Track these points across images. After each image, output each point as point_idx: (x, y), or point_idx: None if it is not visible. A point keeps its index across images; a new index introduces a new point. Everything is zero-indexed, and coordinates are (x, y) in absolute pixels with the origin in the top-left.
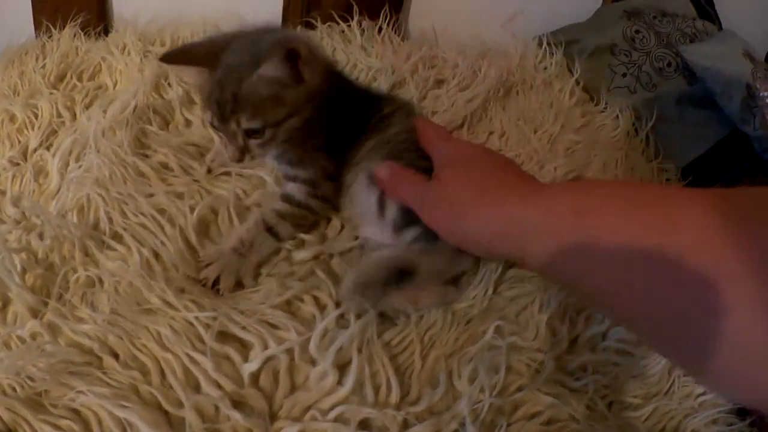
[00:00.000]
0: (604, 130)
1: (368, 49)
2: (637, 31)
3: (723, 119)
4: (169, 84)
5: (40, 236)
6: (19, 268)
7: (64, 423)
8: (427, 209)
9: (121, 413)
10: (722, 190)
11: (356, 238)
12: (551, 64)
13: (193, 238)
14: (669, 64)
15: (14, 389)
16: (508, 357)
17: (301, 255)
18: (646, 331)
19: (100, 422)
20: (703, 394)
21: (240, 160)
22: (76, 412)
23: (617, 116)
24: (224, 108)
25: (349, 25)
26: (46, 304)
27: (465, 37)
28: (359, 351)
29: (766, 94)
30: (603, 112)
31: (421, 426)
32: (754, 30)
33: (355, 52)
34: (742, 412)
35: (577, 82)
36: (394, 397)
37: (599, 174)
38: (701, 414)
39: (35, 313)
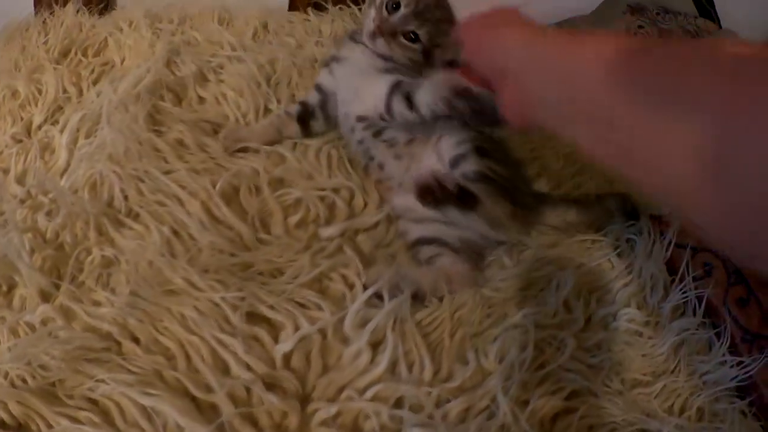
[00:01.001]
0: None
1: None
2: (640, 27)
3: None
4: (181, 61)
5: (48, 215)
6: (27, 246)
7: (82, 415)
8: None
9: (146, 401)
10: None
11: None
12: None
13: (219, 212)
14: None
15: (24, 380)
16: (533, 335)
17: (328, 231)
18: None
19: (122, 412)
20: (706, 373)
21: (375, 34)
22: (94, 402)
23: None
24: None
25: (360, 8)
26: (57, 286)
27: None
28: (393, 329)
29: None
30: None
31: (456, 402)
32: (752, 29)
33: None
34: (741, 390)
35: None
36: (428, 374)
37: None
38: (705, 392)
39: (46, 297)
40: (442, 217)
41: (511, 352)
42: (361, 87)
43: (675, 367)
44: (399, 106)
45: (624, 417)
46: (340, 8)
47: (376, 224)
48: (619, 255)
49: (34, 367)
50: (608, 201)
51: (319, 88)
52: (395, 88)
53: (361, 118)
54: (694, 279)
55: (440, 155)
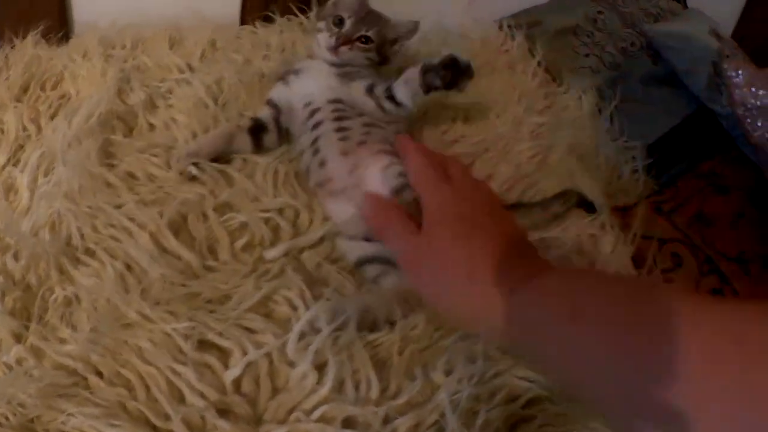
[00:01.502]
0: (568, 110)
1: None
2: (599, 12)
3: (689, 97)
4: (131, 89)
5: (15, 257)
6: None
7: None
8: (412, 267)
9: (110, 431)
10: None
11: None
12: (513, 47)
13: (167, 242)
14: (633, 44)
15: (7, 418)
16: (483, 346)
17: (272, 253)
18: None
19: None
20: None
21: (332, 49)
22: None
23: (580, 97)
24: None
25: (308, 17)
26: (27, 327)
27: (426, 24)
28: (337, 351)
29: (733, 73)
30: (566, 93)
31: (403, 419)
32: (720, 8)
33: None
34: None
35: (539, 64)
36: (375, 392)
37: (564, 155)
38: None
39: (18, 338)
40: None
41: (459, 365)
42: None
43: None
44: (387, 104)
45: (585, 423)
46: (288, 18)
47: (321, 240)
48: (580, 253)
49: (14, 405)
50: (561, 199)
51: (271, 103)
52: (370, 89)
53: (336, 101)
54: (663, 271)
55: (385, 180)
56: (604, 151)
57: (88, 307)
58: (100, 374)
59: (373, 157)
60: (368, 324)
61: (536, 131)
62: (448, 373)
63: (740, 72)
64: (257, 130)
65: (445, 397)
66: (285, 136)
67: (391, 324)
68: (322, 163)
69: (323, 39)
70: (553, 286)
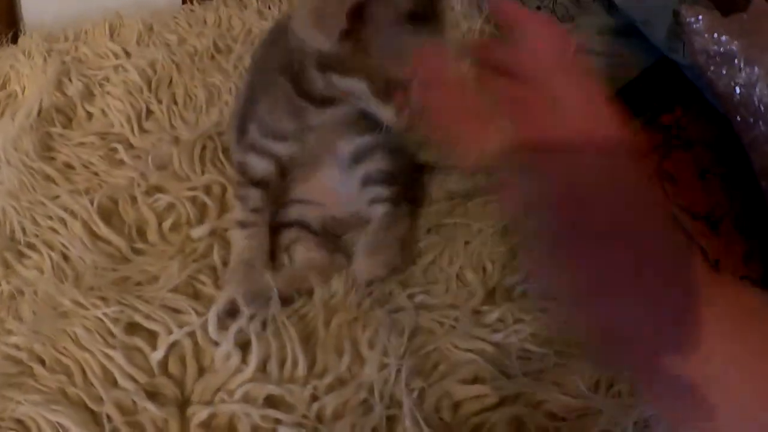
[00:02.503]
0: None
1: (264, 13)
2: None
3: (649, 47)
4: (69, 80)
5: None
6: None
7: None
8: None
9: (53, 417)
10: None
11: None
12: (460, 3)
13: (98, 229)
14: None
15: None
16: (417, 317)
17: (198, 232)
18: None
19: (39, 428)
20: None
21: None
22: (20, 422)
23: None
24: None
25: None
26: None
27: None
28: (260, 328)
29: (692, 19)
30: None
31: (329, 397)
32: None
33: (251, 17)
34: None
35: (488, 20)
36: (301, 370)
37: None
38: None
39: None
40: (307, 197)
41: (384, 338)
42: None
43: None
44: None
45: (543, 397)
46: None
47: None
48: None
49: None
50: None
51: None
52: None
53: None
54: None
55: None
56: None
57: (30, 298)
58: (43, 362)
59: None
60: (284, 298)
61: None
62: (374, 346)
63: (701, 17)
64: None
65: (372, 372)
66: None
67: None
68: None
69: None
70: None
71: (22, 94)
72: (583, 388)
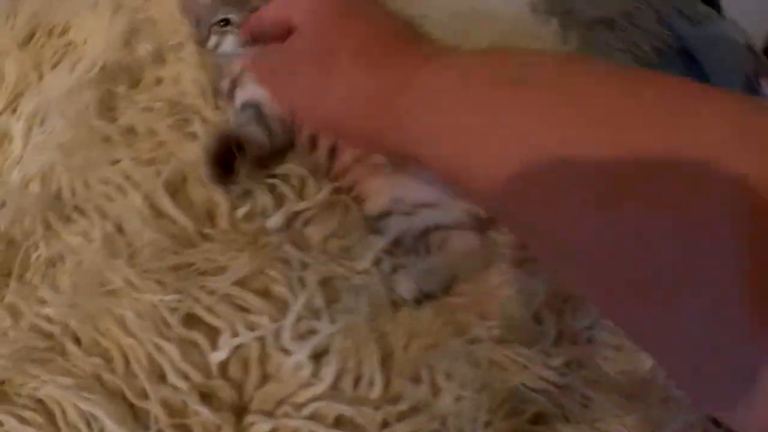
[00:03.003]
0: None
1: None
2: (636, 8)
3: None
4: (139, 40)
5: (2, 207)
6: None
7: (28, 414)
8: (275, 76)
9: (84, 405)
10: None
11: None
12: (546, 33)
13: (162, 206)
14: (668, 45)
15: None
16: (491, 351)
17: (274, 222)
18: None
19: (64, 414)
20: (680, 399)
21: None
22: (40, 402)
23: None
24: None
25: None
26: (7, 284)
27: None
28: (342, 341)
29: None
30: None
31: (401, 425)
32: (753, 22)
33: None
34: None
35: None
36: (376, 392)
37: None
38: (677, 418)
39: None
40: (431, 198)
41: (464, 369)
42: None
43: (649, 391)
44: None
45: None
46: None
47: (331, 210)
48: None
49: None
50: None
51: None
52: None
53: None
54: None
55: None
56: None
57: (71, 268)
58: (78, 341)
59: None
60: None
61: None
62: (451, 376)
63: None
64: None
65: (448, 403)
66: None
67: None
68: None
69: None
70: (473, 59)
71: (83, 44)
72: None
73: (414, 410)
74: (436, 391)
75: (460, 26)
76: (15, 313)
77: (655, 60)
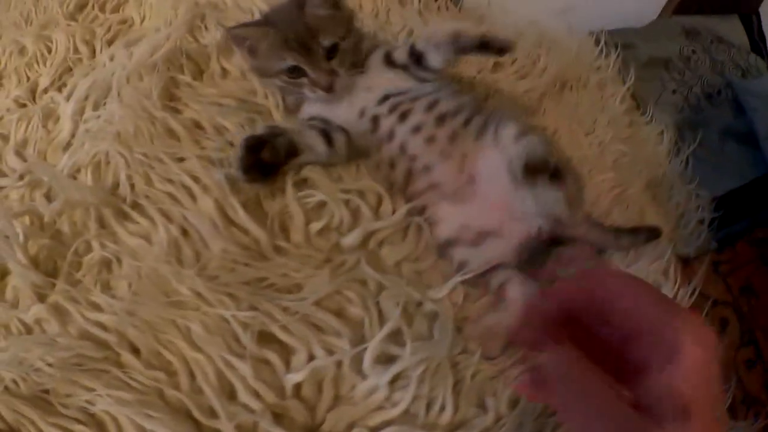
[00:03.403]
0: (648, 144)
1: (425, 15)
2: (693, 51)
3: (762, 160)
4: (206, 27)
5: (47, 196)
6: (21, 236)
7: (77, 428)
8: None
9: (146, 423)
10: None
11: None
12: (607, 65)
13: (233, 214)
14: (719, 93)
15: (17, 383)
16: None
17: (349, 240)
18: None
19: (120, 429)
20: None
21: (330, 85)
22: (90, 414)
23: (662, 132)
24: (305, 35)
25: None
26: (53, 284)
27: (519, 19)
28: (421, 371)
29: None
30: (648, 124)
31: None
32: None
33: (412, 17)
34: None
35: (628, 90)
36: (446, 417)
37: (641, 192)
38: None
39: (40, 294)
40: (496, 227)
41: (523, 398)
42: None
43: None
44: (416, 71)
45: None
46: None
47: (405, 232)
48: None
49: (27, 370)
50: (633, 235)
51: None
52: (389, 59)
53: (386, 98)
54: None
55: (503, 148)
56: (676, 195)
57: (130, 272)
58: (136, 352)
59: (473, 145)
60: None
61: (619, 161)
62: (513, 404)
63: None
64: (324, 132)
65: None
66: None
67: None
68: (428, 169)
69: (308, 91)
70: None
71: (141, 23)
72: None
73: None
74: (498, 418)
75: (529, 49)
76: (63, 317)
77: (705, 104)
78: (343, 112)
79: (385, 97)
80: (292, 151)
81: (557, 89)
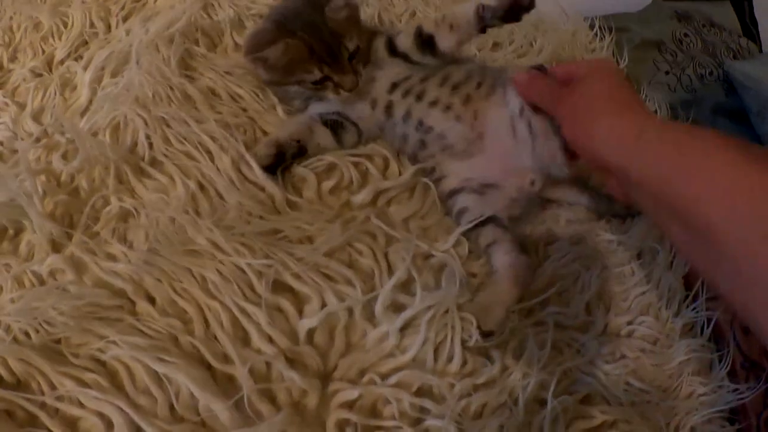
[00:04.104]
0: None
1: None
2: (685, 35)
3: (753, 137)
4: (218, 4)
5: (64, 157)
6: (40, 190)
7: (88, 377)
8: (558, 110)
9: (159, 367)
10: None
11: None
12: (601, 48)
13: (249, 172)
14: (711, 73)
15: (28, 335)
16: (552, 335)
17: (360, 197)
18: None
19: (132, 377)
20: (704, 394)
21: (356, 85)
22: (101, 363)
23: (656, 111)
24: (332, 42)
25: None
26: (69, 236)
27: None
28: (426, 318)
29: None
30: None
31: (476, 396)
32: None
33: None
34: (732, 413)
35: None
36: (455, 366)
37: None
38: (700, 413)
39: (56, 247)
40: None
41: (530, 350)
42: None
43: (677, 385)
44: (421, 57)
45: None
46: None
47: (411, 192)
48: (640, 262)
49: (38, 321)
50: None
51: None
52: (392, 48)
53: (394, 85)
54: (707, 299)
55: (509, 104)
56: None
57: (148, 223)
58: (152, 300)
59: (485, 103)
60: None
61: None
62: (519, 355)
63: None
64: (334, 125)
65: (517, 380)
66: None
67: None
68: (442, 136)
69: (331, 94)
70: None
71: (154, 2)
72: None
73: (486, 385)
74: (505, 368)
75: (526, 31)
76: (79, 268)
77: (697, 84)
78: (355, 107)
79: (394, 85)
80: (302, 152)
81: None
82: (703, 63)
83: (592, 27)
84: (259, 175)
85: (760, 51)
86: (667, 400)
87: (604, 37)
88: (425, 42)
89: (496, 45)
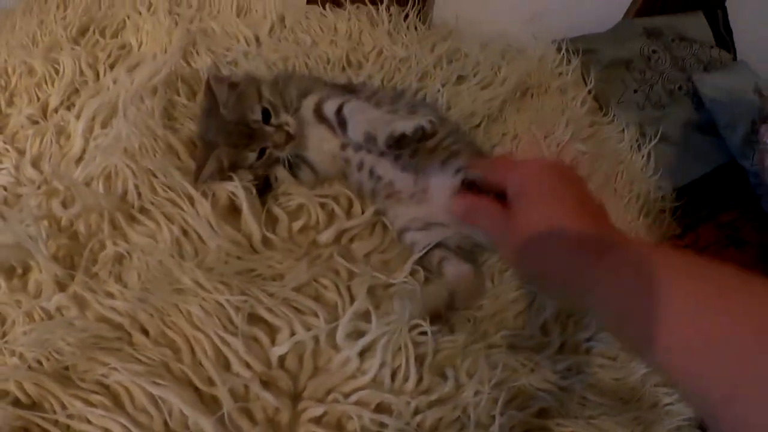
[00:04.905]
0: (609, 142)
1: (394, 36)
2: (654, 51)
3: (723, 148)
4: (197, 52)
5: (63, 204)
6: (44, 234)
7: (94, 398)
8: (503, 243)
9: (154, 390)
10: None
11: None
12: (568, 71)
13: (229, 216)
14: (680, 88)
15: (40, 363)
16: (506, 356)
17: (325, 236)
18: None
19: (132, 398)
20: (670, 404)
21: (286, 133)
22: (105, 387)
23: (623, 130)
24: (242, 127)
25: (378, 9)
26: (71, 276)
27: (487, 31)
28: (386, 342)
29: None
30: (610, 123)
31: (430, 412)
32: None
33: (382, 37)
34: (704, 427)
35: (590, 92)
36: (410, 385)
37: (601, 185)
38: (667, 421)
39: (61, 286)
40: (441, 220)
41: (482, 369)
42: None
43: (639, 396)
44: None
45: None
46: (357, 7)
47: (372, 229)
48: None
49: (49, 351)
50: None
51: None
52: (318, 110)
53: (344, 145)
54: None
55: (447, 177)
56: (637, 187)
57: (139, 265)
58: (146, 332)
59: (428, 160)
60: (429, 312)
61: (577, 158)
62: (471, 375)
63: None
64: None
65: (468, 397)
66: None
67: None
68: (390, 183)
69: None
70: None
71: (138, 48)
72: None
73: (441, 401)
74: (459, 386)
75: (492, 60)
76: (82, 304)
77: (666, 100)
78: (316, 157)
79: (344, 145)
80: (267, 185)
81: (518, 96)
82: (672, 78)
83: (559, 50)
84: (235, 218)
85: (734, 59)
86: (629, 411)
87: (571, 60)
88: (341, 122)
89: (461, 78)
